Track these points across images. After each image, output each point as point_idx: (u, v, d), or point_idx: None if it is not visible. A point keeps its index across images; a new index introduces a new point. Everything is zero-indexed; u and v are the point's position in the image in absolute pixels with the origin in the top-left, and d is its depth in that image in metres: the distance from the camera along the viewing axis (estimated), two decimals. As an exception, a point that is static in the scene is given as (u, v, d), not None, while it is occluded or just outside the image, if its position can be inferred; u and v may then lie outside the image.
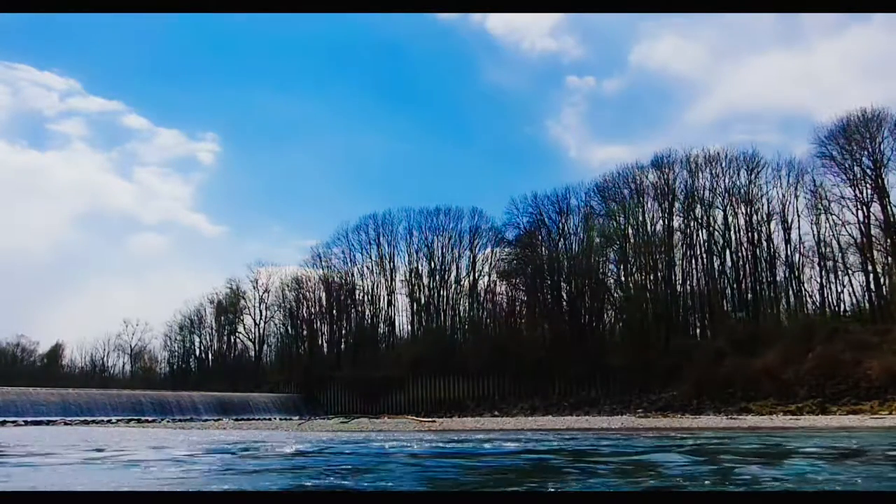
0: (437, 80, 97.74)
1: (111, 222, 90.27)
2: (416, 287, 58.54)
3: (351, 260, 61.27)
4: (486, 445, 15.17)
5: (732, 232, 48.68)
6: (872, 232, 43.81)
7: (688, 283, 49.83)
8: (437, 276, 58.26)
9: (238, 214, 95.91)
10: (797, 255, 47.06)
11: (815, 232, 46.05)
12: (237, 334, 66.30)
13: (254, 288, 64.54)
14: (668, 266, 49.81)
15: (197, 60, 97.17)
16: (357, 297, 61.06)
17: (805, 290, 47.20)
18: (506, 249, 56.89)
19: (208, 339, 67.34)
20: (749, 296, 47.98)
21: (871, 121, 43.39)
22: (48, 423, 34.78)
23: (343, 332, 61.50)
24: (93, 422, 36.46)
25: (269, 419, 42.19)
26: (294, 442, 16.76)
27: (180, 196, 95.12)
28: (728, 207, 48.81)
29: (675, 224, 50.23)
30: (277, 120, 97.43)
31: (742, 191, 48.56)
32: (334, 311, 61.41)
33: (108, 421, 37.31)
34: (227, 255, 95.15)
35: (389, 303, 60.09)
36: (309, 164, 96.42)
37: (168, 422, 37.77)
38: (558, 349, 47.52)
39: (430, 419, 36.22)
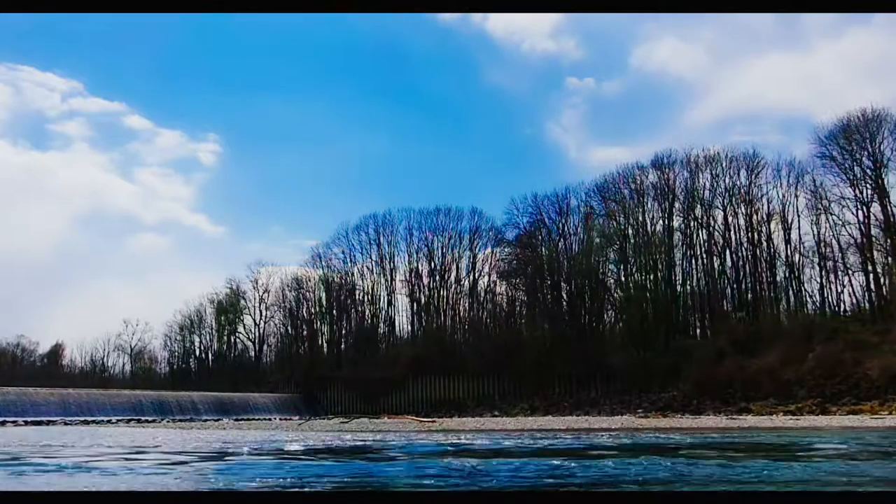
0: (437, 81, 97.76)
1: (112, 223, 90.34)
2: (416, 287, 58.56)
3: (351, 260, 61.39)
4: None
5: (732, 232, 48.71)
6: (872, 232, 43.84)
7: (688, 283, 49.87)
8: (437, 276, 58.28)
9: (238, 215, 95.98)
10: (797, 255, 47.12)
11: (815, 232, 46.13)
12: (237, 334, 66.37)
13: (254, 288, 64.64)
14: (668, 266, 49.83)
15: (198, 61, 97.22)
16: (357, 297, 61.09)
17: (805, 290, 47.25)
18: (506, 249, 56.95)
19: (208, 339, 67.37)
20: (749, 296, 47.99)
21: (871, 121, 43.41)
22: (48, 423, 34.78)
23: (343, 332, 61.51)
24: (93, 422, 36.46)
25: (269, 419, 42.20)
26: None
27: (181, 197, 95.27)
28: (728, 207, 48.83)
29: (675, 224, 50.28)
30: (278, 120, 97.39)
31: (742, 191, 48.60)
32: (334, 311, 61.43)
33: (108, 421, 37.31)
34: (228, 256, 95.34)
35: (389, 303, 60.21)
36: (309, 164, 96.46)
37: (168, 422, 37.75)
38: (558, 349, 47.49)
39: (429, 419, 36.22)
